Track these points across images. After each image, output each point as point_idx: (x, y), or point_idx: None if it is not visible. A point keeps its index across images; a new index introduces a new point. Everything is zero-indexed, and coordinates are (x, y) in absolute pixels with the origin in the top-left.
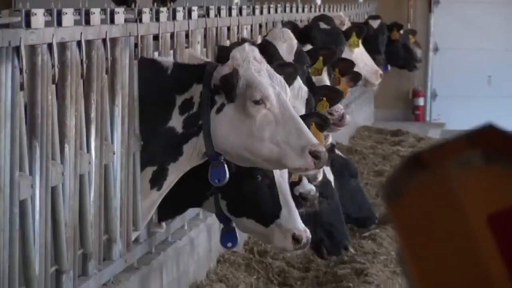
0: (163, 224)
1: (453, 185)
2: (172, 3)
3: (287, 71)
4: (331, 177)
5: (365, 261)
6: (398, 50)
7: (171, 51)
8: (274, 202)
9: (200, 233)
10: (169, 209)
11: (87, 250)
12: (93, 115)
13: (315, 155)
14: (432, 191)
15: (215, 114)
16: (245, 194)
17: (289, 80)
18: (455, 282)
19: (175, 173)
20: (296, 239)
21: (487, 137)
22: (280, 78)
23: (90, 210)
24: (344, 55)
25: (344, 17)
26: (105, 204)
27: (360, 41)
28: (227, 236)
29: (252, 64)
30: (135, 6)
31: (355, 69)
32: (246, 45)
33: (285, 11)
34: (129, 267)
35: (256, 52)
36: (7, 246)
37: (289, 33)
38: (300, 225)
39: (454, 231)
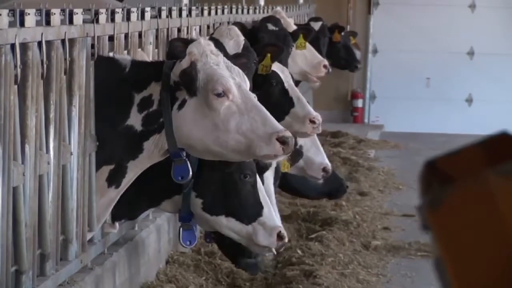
0: (116, 224)
1: (493, 193)
2: None
3: (241, 62)
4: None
5: (313, 263)
6: (339, 51)
7: (125, 51)
8: (256, 200)
9: (150, 234)
10: (125, 209)
11: (45, 251)
12: (52, 115)
13: (282, 140)
14: (472, 199)
15: (176, 110)
16: (226, 192)
17: (244, 71)
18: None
19: (134, 170)
20: (280, 237)
21: (501, 144)
22: (237, 69)
23: (49, 210)
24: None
25: (283, 13)
26: (62, 204)
27: (307, 43)
28: (187, 235)
29: (209, 58)
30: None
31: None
32: (202, 40)
33: (231, 12)
34: (83, 268)
35: (212, 46)
36: None
37: (236, 30)
38: (280, 222)
39: (495, 237)
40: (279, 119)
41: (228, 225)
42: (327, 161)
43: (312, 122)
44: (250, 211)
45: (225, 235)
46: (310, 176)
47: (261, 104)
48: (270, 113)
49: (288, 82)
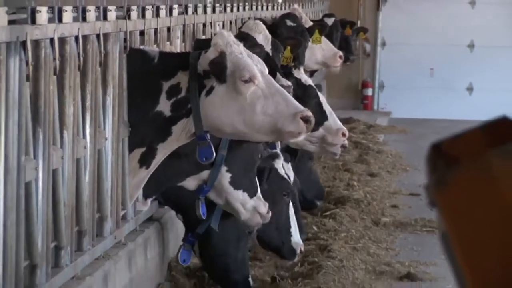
0: (148, 202)
1: (495, 174)
2: None
3: (256, 51)
4: (291, 173)
5: (327, 238)
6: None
7: (155, 45)
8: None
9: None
10: (153, 186)
11: (83, 228)
12: (88, 104)
13: (306, 119)
14: (475, 180)
15: (204, 96)
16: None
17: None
18: (497, 262)
19: (163, 152)
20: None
21: (501, 128)
22: (257, 57)
23: (85, 191)
24: (308, 50)
25: (299, 9)
26: (97, 185)
27: (322, 38)
28: (184, 254)
29: (233, 48)
30: None
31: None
32: (224, 32)
33: (251, 9)
34: (117, 243)
35: (232, 36)
36: (14, 224)
37: (261, 24)
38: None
39: (497, 216)
40: (313, 129)
41: (242, 199)
42: (343, 126)
43: (343, 135)
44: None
45: (233, 208)
46: (330, 143)
47: (281, 87)
48: None
49: (322, 98)
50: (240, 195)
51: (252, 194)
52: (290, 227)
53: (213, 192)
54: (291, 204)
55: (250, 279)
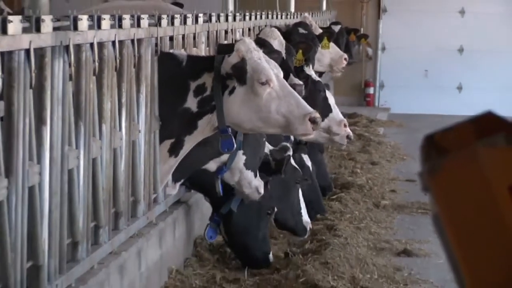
0: (177, 185)
1: (481, 162)
2: None
3: (273, 56)
4: (309, 163)
5: (334, 219)
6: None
7: (183, 49)
8: None
9: (202, 197)
10: (181, 171)
11: (119, 209)
12: (123, 100)
13: (313, 120)
14: (463, 167)
15: (227, 95)
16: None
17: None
18: (482, 239)
19: (189, 143)
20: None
21: (487, 122)
22: (274, 62)
23: (121, 177)
24: (318, 53)
25: (310, 18)
26: (132, 172)
27: (330, 44)
28: (210, 231)
29: (253, 53)
30: None
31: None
32: (246, 39)
33: (267, 17)
34: (149, 223)
35: (253, 43)
36: (58, 206)
37: (276, 31)
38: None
39: (482, 199)
40: None
41: (250, 178)
42: (344, 118)
43: (345, 126)
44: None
45: (241, 185)
46: (334, 133)
47: (294, 91)
48: None
49: (329, 95)
50: (249, 174)
51: (255, 174)
52: (301, 209)
53: (229, 172)
54: (300, 190)
55: (270, 255)
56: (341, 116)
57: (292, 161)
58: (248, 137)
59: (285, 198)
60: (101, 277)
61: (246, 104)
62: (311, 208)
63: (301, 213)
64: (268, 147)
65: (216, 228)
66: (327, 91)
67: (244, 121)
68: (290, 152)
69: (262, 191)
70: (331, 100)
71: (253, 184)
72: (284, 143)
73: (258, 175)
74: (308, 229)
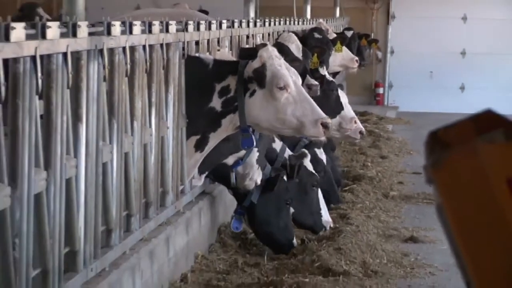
0: (202, 177)
1: (480, 156)
2: None
3: (295, 64)
4: (323, 156)
5: (346, 208)
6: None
7: (207, 53)
8: None
9: (225, 188)
10: (206, 165)
11: (149, 199)
12: (153, 100)
13: (325, 125)
14: (464, 161)
15: (248, 97)
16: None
17: (298, 71)
18: (481, 228)
19: (213, 140)
20: None
21: (486, 119)
22: (293, 70)
23: (151, 170)
24: (331, 56)
25: (324, 24)
26: (161, 165)
27: (343, 47)
28: (236, 222)
29: (274, 60)
30: None
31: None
32: (269, 47)
33: (285, 23)
34: (177, 212)
35: (276, 51)
36: (93, 197)
37: (293, 36)
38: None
39: (481, 191)
40: (332, 116)
41: (254, 172)
42: (355, 115)
43: (356, 122)
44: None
45: (245, 175)
46: (344, 129)
47: (309, 96)
48: (327, 110)
49: (342, 94)
50: (256, 168)
51: (262, 169)
52: (320, 209)
53: (242, 166)
54: (320, 191)
55: (294, 241)
56: (352, 113)
57: (310, 167)
58: (261, 136)
59: (302, 200)
60: (132, 262)
61: (265, 106)
62: (326, 199)
63: (320, 213)
64: (288, 152)
65: (240, 220)
66: (340, 91)
67: (262, 121)
68: (308, 158)
69: (259, 182)
70: (344, 99)
71: (254, 177)
72: (303, 150)
73: (260, 170)
74: (327, 227)
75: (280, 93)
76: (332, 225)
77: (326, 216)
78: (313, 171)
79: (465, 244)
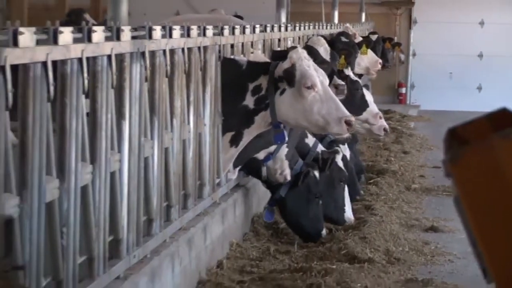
0: (236, 170)
1: (496, 152)
2: None
3: (324, 66)
4: (347, 152)
5: (371, 200)
6: (376, 54)
7: (242, 55)
8: None
9: (258, 181)
10: (240, 159)
11: (187, 191)
12: (191, 98)
13: (348, 123)
14: (480, 156)
15: (279, 95)
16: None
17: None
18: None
19: (247, 136)
20: None
21: (502, 117)
22: (321, 71)
23: (189, 163)
24: (357, 59)
25: (351, 28)
26: (198, 159)
27: (368, 50)
28: (268, 214)
29: (303, 61)
30: None
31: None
32: (299, 49)
33: (314, 27)
34: (213, 203)
35: (305, 53)
36: (135, 189)
37: (322, 39)
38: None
39: (496, 184)
40: (358, 113)
41: (284, 167)
42: (379, 111)
43: (380, 117)
44: None
45: (275, 170)
46: (370, 123)
47: (335, 96)
48: (353, 107)
49: (367, 93)
50: (286, 163)
51: (292, 164)
52: (344, 205)
53: (272, 160)
54: (346, 188)
55: (323, 231)
56: (377, 110)
57: (340, 163)
58: (294, 133)
59: (329, 194)
60: (172, 249)
61: (293, 104)
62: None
63: (344, 208)
64: (320, 147)
65: (272, 211)
66: (366, 90)
67: (290, 118)
68: (340, 155)
69: (288, 178)
70: (369, 97)
71: (285, 172)
72: (336, 148)
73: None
74: (348, 223)
75: (307, 92)
76: (353, 223)
77: (349, 212)
78: (343, 168)
79: (481, 234)
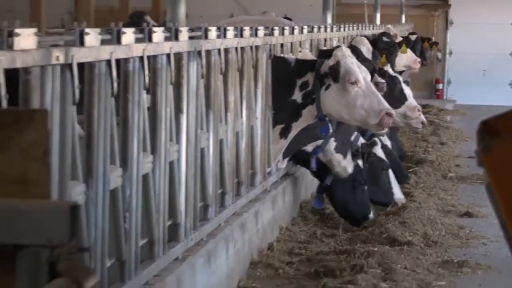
0: (285, 161)
1: None
2: None
3: (365, 64)
4: (388, 142)
5: (410, 187)
6: (415, 53)
7: (291, 53)
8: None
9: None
10: (289, 150)
11: (240, 179)
12: (244, 94)
13: (389, 115)
14: (511, 147)
15: (324, 90)
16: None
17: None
18: None
19: (295, 128)
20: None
21: None
22: (364, 68)
23: (242, 154)
24: (398, 57)
25: (392, 29)
26: (250, 150)
27: (407, 49)
28: (317, 201)
29: (347, 59)
30: None
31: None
32: (343, 47)
33: (358, 28)
34: (264, 190)
35: (349, 51)
36: (192, 177)
37: (365, 39)
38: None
39: None
40: (397, 106)
41: (339, 159)
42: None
43: (418, 110)
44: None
45: (332, 164)
46: (409, 117)
47: (377, 91)
48: (393, 101)
49: (406, 88)
50: (338, 156)
51: (345, 156)
52: (391, 188)
53: (321, 153)
54: (391, 173)
55: (371, 215)
56: (415, 103)
57: (381, 153)
58: (339, 127)
59: (374, 182)
60: (226, 233)
61: (338, 98)
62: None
63: (392, 192)
64: (361, 140)
65: (321, 198)
66: (406, 86)
67: (334, 111)
68: (378, 145)
69: (350, 170)
70: (408, 91)
71: (342, 164)
72: (374, 139)
73: (349, 157)
74: (399, 204)
75: (351, 87)
76: (404, 201)
77: (398, 193)
78: (383, 157)
79: (511, 219)
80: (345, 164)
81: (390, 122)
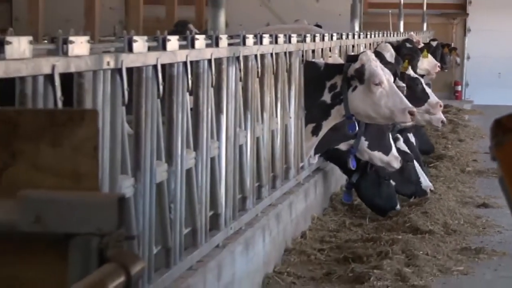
0: (316, 157)
1: None
2: None
3: (389, 67)
4: (413, 139)
5: (431, 181)
6: (436, 58)
7: (321, 58)
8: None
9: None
10: (320, 147)
11: (276, 173)
12: (279, 95)
13: (411, 113)
14: None
15: (351, 92)
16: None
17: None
18: None
19: (325, 127)
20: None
21: None
22: (387, 70)
23: (277, 150)
24: (420, 62)
25: (414, 36)
26: (285, 146)
27: (428, 54)
28: (346, 196)
29: (372, 62)
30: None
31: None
32: (368, 52)
33: (383, 35)
34: (298, 183)
35: (373, 55)
36: (232, 171)
37: (389, 46)
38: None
39: None
40: (420, 105)
41: (379, 156)
42: (440, 101)
43: (441, 106)
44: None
45: (374, 162)
46: (431, 113)
47: (399, 91)
48: (416, 100)
49: (427, 88)
50: (376, 153)
51: (386, 153)
52: (418, 178)
53: (358, 152)
54: (416, 164)
55: (398, 206)
56: (437, 99)
57: (404, 147)
58: (369, 127)
59: (401, 174)
60: (263, 222)
61: (364, 98)
62: None
63: (420, 181)
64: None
65: (350, 193)
66: (427, 87)
67: (361, 110)
68: (401, 140)
69: (395, 165)
70: (429, 90)
71: (385, 160)
72: (396, 135)
73: (392, 153)
74: (428, 191)
75: (375, 88)
76: (432, 189)
77: (425, 182)
78: (407, 150)
79: None
80: (388, 159)
81: (413, 118)
